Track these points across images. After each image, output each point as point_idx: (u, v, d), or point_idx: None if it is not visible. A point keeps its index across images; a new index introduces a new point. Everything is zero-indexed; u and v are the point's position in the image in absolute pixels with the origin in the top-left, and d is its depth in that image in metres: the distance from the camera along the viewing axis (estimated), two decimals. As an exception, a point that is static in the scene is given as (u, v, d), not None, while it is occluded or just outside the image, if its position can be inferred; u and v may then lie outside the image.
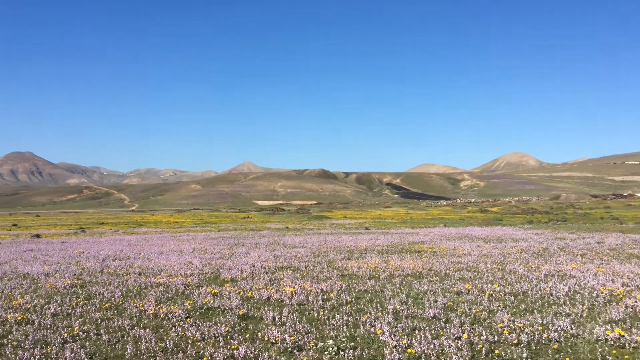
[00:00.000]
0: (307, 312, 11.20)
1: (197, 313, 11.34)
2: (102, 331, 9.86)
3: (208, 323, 10.26)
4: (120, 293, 13.69)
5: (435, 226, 50.03)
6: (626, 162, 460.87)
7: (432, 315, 10.58)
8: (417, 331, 9.47)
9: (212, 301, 12.29)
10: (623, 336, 8.70)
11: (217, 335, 9.52)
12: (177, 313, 11.10)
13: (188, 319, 10.72)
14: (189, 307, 11.75)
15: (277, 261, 20.06)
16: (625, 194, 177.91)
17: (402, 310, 11.05)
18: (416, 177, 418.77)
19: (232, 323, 10.35)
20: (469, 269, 17.12)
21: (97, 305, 12.20)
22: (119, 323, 10.44)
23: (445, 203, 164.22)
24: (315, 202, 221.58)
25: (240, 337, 9.42)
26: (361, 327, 9.82)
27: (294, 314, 10.92)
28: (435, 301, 11.82)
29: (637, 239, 27.87)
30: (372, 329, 9.64)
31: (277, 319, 10.52)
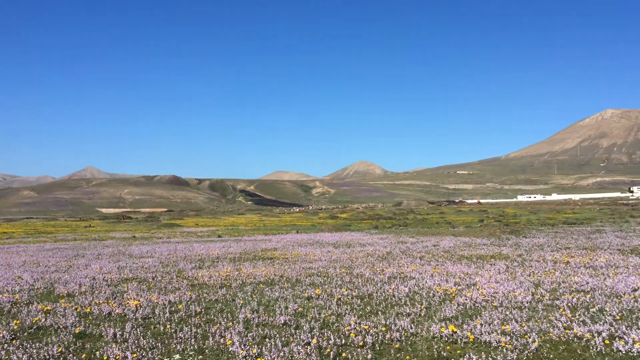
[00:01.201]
0: (152, 326, 10.60)
1: (26, 333, 10.17)
2: None
3: (38, 344, 9.23)
4: None
5: (288, 232, 50.76)
6: (458, 172, 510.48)
7: (283, 322, 10.60)
8: (267, 339, 9.41)
9: (43, 319, 11.11)
10: (456, 332, 9.44)
11: (47, 357, 8.60)
12: (1, 335, 9.84)
13: (14, 341, 9.58)
14: (16, 327, 10.51)
15: (122, 273, 18.83)
16: (457, 201, 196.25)
17: (253, 318, 10.94)
18: (270, 184, 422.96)
19: (66, 343, 9.42)
20: (319, 274, 17.53)
21: None
22: None
23: (298, 210, 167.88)
24: (165, 209, 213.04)
25: (75, 357, 8.60)
26: (210, 338, 9.52)
27: (138, 329, 10.27)
28: (287, 308, 11.88)
29: (466, 241, 30.77)
30: (222, 340, 9.38)
31: (118, 336, 9.80)
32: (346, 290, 14.11)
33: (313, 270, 18.42)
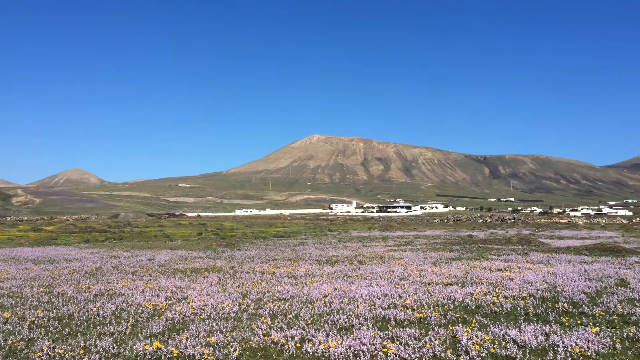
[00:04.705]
0: None
1: None
2: None
3: None
4: None
5: (-25, 247, 43.34)
6: (179, 185, 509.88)
7: (-47, 355, 8.93)
8: None
9: None
10: (160, 348, 9.27)
11: None
12: None
13: None
14: None
15: None
16: (177, 214, 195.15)
17: None
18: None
19: None
20: (11, 294, 15.38)
21: None
22: None
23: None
24: None
25: None
26: None
27: None
28: (-39, 337, 10.05)
29: (183, 254, 30.76)
30: None
31: None
32: (42, 311, 12.66)
33: (4, 291, 16.06)
